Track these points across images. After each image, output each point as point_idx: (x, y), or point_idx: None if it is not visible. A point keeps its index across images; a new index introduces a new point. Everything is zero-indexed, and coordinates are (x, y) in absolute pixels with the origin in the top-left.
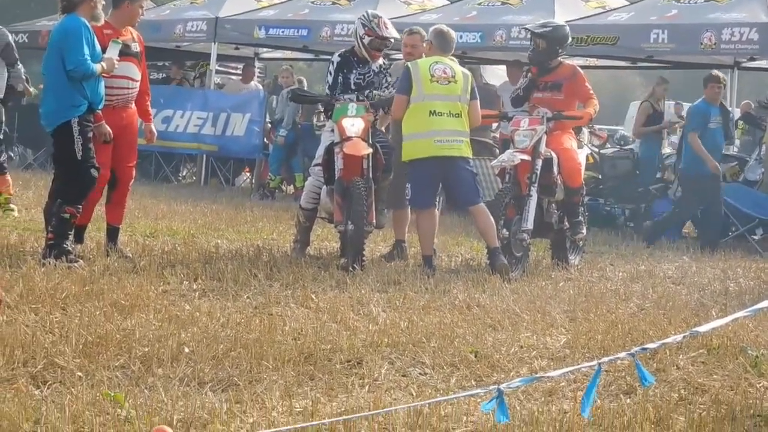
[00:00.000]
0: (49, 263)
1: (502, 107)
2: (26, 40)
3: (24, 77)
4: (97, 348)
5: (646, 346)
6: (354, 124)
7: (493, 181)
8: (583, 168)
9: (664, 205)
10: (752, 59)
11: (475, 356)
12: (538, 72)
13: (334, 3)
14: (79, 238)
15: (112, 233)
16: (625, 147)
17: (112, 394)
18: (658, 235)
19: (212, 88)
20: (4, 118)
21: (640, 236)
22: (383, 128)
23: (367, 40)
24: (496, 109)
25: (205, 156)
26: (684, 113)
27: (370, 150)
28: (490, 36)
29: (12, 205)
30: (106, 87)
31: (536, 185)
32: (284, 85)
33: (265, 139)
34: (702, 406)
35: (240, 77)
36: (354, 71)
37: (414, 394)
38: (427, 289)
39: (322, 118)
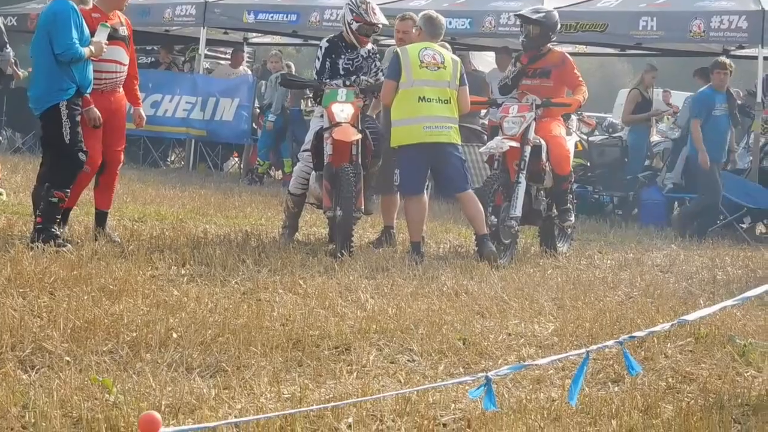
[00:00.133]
0: (37, 247)
1: (491, 94)
2: (15, 24)
3: (13, 60)
4: (85, 333)
5: (634, 334)
6: (343, 110)
7: (482, 168)
8: (571, 155)
9: (652, 192)
10: (741, 47)
11: (463, 343)
12: (528, 59)
13: None
14: (64, 221)
15: (101, 218)
16: (614, 134)
17: (101, 379)
18: (690, 224)
19: (201, 72)
20: None
21: (628, 224)
22: (374, 115)
23: (355, 25)
24: (484, 96)
25: (193, 141)
26: (672, 101)
27: (360, 136)
28: (479, 22)
29: (0, 189)
30: (94, 71)
31: (525, 172)
32: (273, 70)
33: (253, 124)
34: (690, 394)
35: (229, 62)
36: (342, 56)
37: (402, 381)
38: (415, 276)
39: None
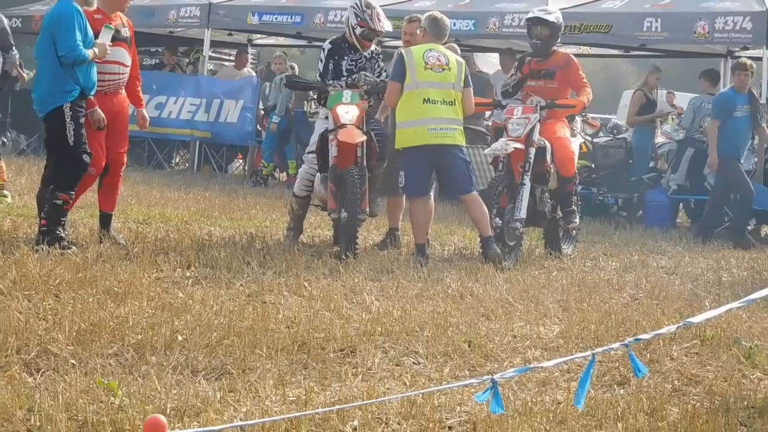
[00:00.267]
0: (42, 250)
1: (495, 95)
2: (20, 25)
3: (18, 62)
4: (90, 335)
5: (639, 336)
6: (348, 112)
7: (486, 170)
8: (576, 157)
9: (657, 194)
10: (745, 48)
11: (469, 346)
12: (529, 70)
13: None
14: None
15: (105, 220)
16: (618, 136)
17: (106, 382)
18: (711, 230)
19: (205, 74)
20: None
21: (632, 226)
22: (383, 118)
23: (359, 30)
24: (489, 98)
25: (198, 142)
26: (676, 102)
27: (365, 138)
28: (484, 23)
29: (5, 192)
30: (97, 73)
31: (529, 174)
32: (277, 72)
33: (258, 126)
34: (696, 397)
35: (233, 63)
36: (346, 58)
37: (407, 383)
38: (420, 278)
39: (313, 105)
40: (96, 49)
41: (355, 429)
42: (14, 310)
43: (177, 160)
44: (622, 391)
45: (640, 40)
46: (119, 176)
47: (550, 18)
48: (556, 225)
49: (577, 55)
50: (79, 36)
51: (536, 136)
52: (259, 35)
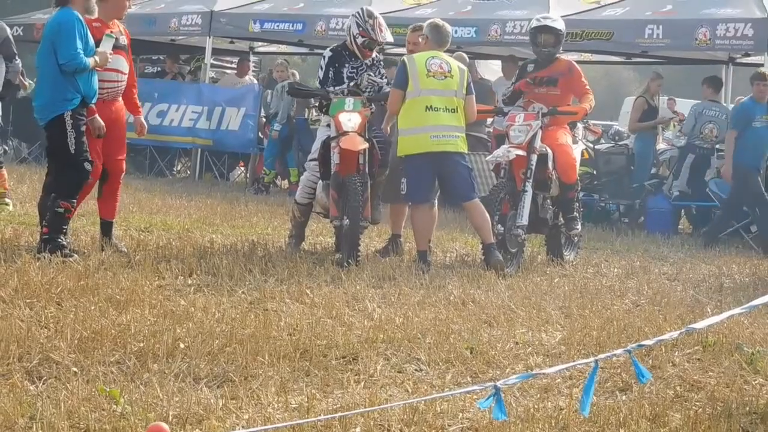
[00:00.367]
0: (44, 258)
1: (497, 102)
2: (21, 33)
3: (21, 71)
4: (92, 343)
5: (642, 342)
6: (351, 119)
7: (488, 177)
8: (578, 164)
9: (658, 200)
10: (747, 55)
11: (471, 352)
12: (535, 68)
13: None
14: None
15: (106, 228)
16: (620, 142)
17: (108, 390)
18: (716, 237)
19: (207, 82)
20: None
21: (634, 232)
22: (389, 128)
23: (360, 40)
24: (490, 105)
25: (199, 150)
26: (677, 109)
27: (367, 145)
28: (485, 31)
29: (7, 200)
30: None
31: (531, 181)
32: (279, 80)
33: (259, 134)
34: (698, 403)
35: (235, 71)
36: (346, 65)
37: (410, 390)
38: (422, 285)
39: (314, 113)
40: (97, 58)
41: None
42: (16, 318)
43: (179, 168)
44: (624, 398)
45: (642, 47)
46: (119, 184)
47: (557, 25)
48: (558, 232)
49: (578, 62)
50: (79, 44)
51: (538, 143)
52: (260, 43)
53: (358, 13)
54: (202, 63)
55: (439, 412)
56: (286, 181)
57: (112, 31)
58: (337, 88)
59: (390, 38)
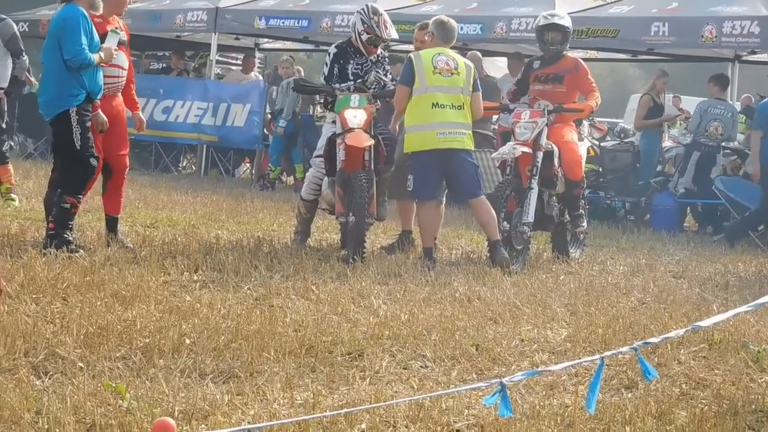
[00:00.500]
0: (50, 253)
1: (503, 99)
2: (27, 29)
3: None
4: (98, 338)
5: (648, 340)
6: (356, 116)
7: (494, 174)
8: (583, 161)
9: (664, 198)
10: (753, 53)
11: (476, 349)
12: (541, 65)
13: None
14: None
15: (111, 223)
16: (626, 140)
17: (114, 385)
18: (742, 235)
19: (212, 78)
20: (6, 108)
21: (640, 229)
22: (397, 126)
23: (365, 37)
24: (496, 102)
25: (205, 146)
26: (683, 106)
27: (372, 141)
28: (491, 28)
29: (13, 195)
30: None
31: (537, 178)
32: (284, 76)
33: (265, 130)
34: (704, 401)
35: (240, 68)
36: (351, 62)
37: (415, 387)
38: (427, 282)
39: (319, 110)
40: (102, 54)
41: None
42: (22, 313)
43: (184, 164)
44: (630, 395)
45: (648, 45)
46: (123, 179)
47: (564, 23)
48: (563, 229)
49: (584, 59)
50: (84, 40)
51: (544, 140)
52: (266, 39)
53: (363, 9)
54: (206, 59)
55: (444, 408)
56: (291, 178)
57: (111, 27)
58: (342, 84)
59: (395, 35)
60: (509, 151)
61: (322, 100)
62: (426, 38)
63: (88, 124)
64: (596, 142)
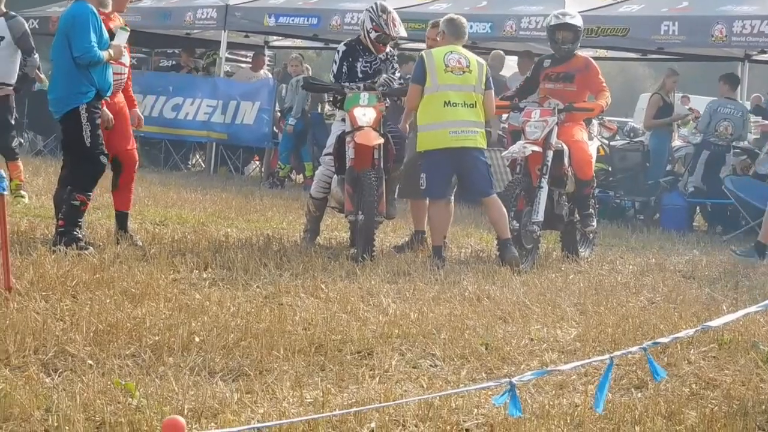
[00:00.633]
0: (60, 250)
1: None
2: (37, 26)
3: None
4: (107, 336)
5: (658, 340)
6: (366, 114)
7: (504, 173)
8: (593, 160)
9: (673, 197)
10: (763, 52)
11: (486, 348)
12: (552, 64)
13: None
14: None
15: (121, 219)
16: (635, 139)
17: (123, 383)
18: None
19: (222, 76)
20: (15, 105)
21: (649, 229)
22: (408, 125)
23: (374, 35)
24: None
25: (214, 144)
26: (692, 105)
27: (382, 140)
28: (500, 26)
29: (22, 192)
30: None
31: (547, 177)
32: (294, 74)
33: (274, 128)
34: (713, 401)
35: (250, 65)
36: (360, 59)
37: (424, 386)
38: (437, 281)
39: (328, 107)
40: (111, 51)
41: (372, 431)
42: (32, 310)
43: (194, 162)
44: (639, 395)
45: (658, 44)
46: (133, 174)
47: (575, 22)
48: (573, 228)
49: (594, 58)
50: (93, 37)
51: (554, 139)
52: (275, 37)
53: (372, 7)
54: (216, 57)
55: (454, 408)
56: (300, 176)
57: (113, 24)
58: (352, 84)
59: (404, 33)
60: (519, 150)
61: (331, 98)
62: (437, 38)
63: (98, 121)
64: (606, 141)
